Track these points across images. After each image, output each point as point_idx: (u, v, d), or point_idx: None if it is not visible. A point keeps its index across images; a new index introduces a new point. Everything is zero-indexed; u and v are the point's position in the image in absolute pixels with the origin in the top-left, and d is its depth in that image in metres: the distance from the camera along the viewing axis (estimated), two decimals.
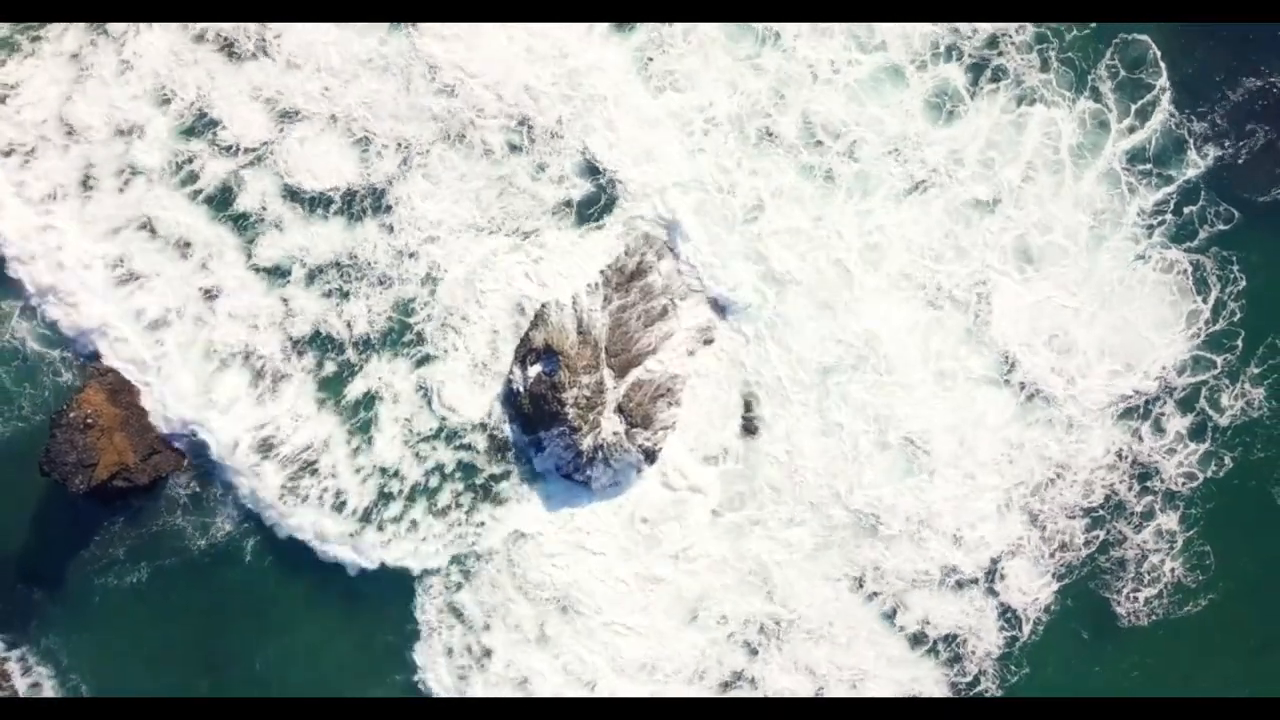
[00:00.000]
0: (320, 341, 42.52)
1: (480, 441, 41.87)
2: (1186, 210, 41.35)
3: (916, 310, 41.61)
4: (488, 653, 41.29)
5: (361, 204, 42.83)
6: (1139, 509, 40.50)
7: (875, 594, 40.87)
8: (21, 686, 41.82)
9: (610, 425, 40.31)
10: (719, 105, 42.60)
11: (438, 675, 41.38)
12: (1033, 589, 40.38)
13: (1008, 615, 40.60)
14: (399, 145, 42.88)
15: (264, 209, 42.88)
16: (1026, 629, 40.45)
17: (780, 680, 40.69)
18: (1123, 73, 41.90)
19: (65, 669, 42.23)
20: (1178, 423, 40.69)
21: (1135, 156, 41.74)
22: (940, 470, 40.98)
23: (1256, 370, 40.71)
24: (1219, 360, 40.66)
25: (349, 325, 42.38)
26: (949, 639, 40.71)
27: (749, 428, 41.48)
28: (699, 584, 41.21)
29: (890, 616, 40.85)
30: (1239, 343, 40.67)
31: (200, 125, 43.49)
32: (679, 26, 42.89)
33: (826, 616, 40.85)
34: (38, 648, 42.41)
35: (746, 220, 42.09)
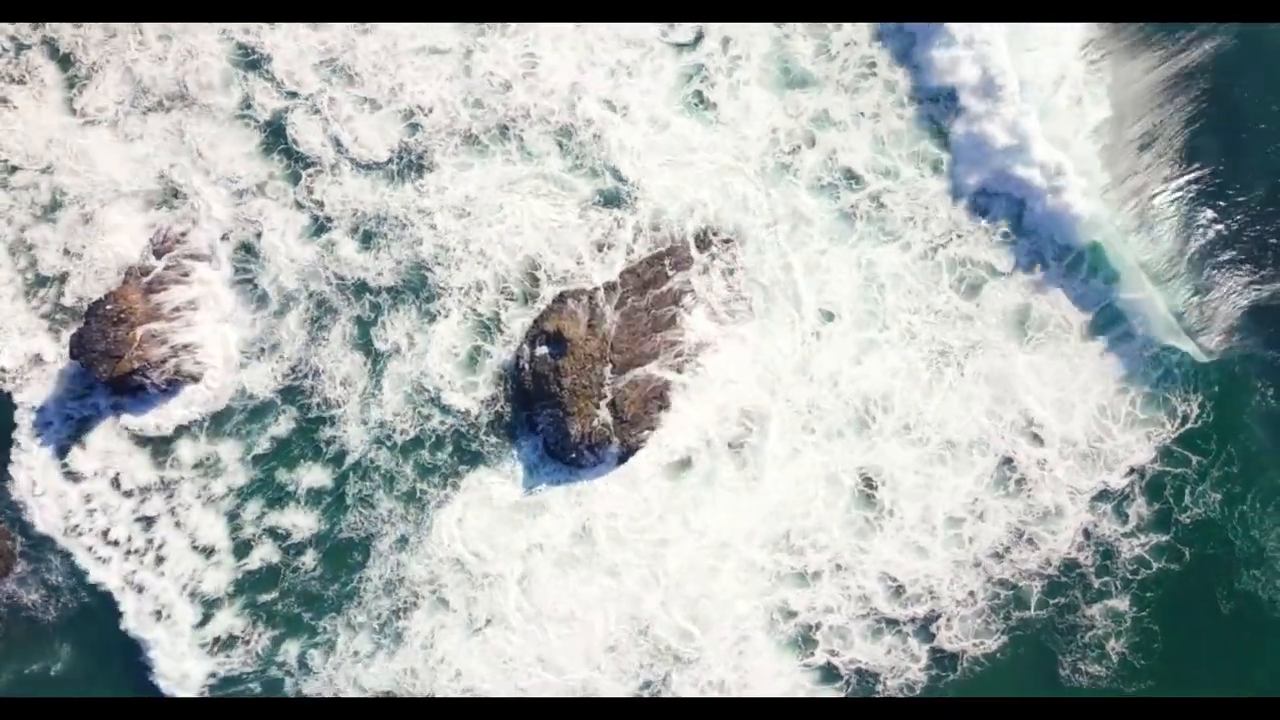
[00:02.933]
0: (348, 291, 44.92)
1: (477, 409, 43.77)
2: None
3: (903, 362, 42.70)
4: (402, 633, 42.49)
5: (401, 163, 45.45)
6: (1096, 585, 40.74)
7: (787, 634, 41.42)
8: (17, 545, 44.37)
9: (602, 416, 42.16)
10: (751, 142, 44.57)
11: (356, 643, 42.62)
12: (973, 638, 40.79)
13: (939, 657, 40.97)
14: (444, 124, 45.39)
15: (312, 154, 45.69)
16: (961, 668, 40.76)
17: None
18: None
19: None
20: (1141, 509, 40.93)
21: None
22: (897, 527, 41.57)
23: (1218, 473, 40.76)
24: (1193, 459, 40.86)
25: (378, 276, 44.69)
26: (863, 673, 41.10)
27: (731, 445, 42.83)
28: (638, 592, 42.07)
29: (799, 647, 41.34)
30: (1212, 444, 40.88)
31: (255, 61, 46.64)
32: (724, 57, 45.19)
33: (735, 651, 41.34)
34: None
35: (756, 247, 43.84)
